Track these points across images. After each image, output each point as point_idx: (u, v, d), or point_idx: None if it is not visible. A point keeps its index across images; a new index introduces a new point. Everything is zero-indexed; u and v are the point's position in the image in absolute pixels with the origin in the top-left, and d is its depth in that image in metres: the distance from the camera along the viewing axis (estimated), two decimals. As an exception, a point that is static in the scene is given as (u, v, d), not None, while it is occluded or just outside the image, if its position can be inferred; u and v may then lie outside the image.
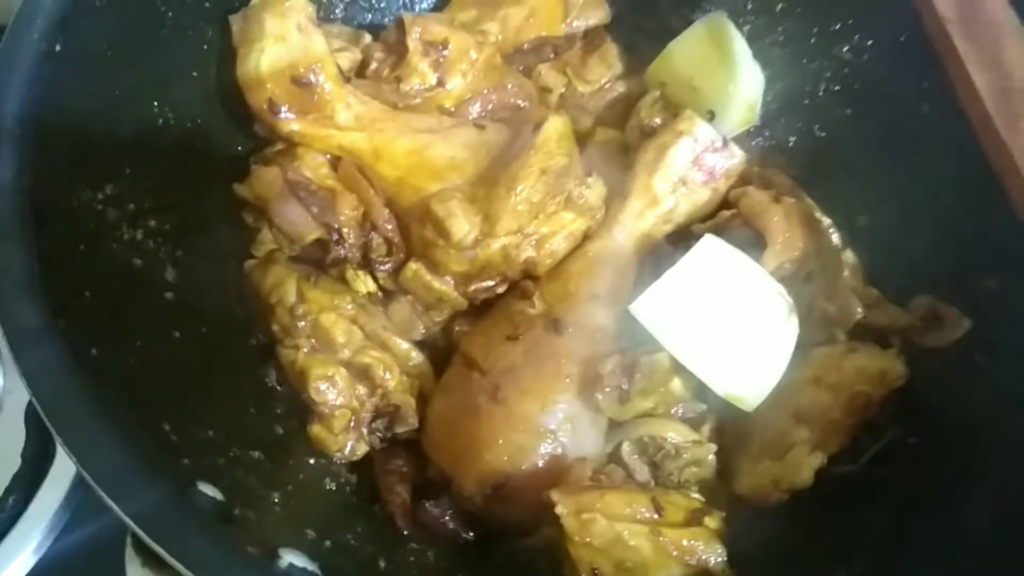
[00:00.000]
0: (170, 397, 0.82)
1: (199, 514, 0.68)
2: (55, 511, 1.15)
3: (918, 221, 1.07)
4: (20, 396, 1.19)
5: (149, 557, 0.64)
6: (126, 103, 0.96)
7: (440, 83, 1.09)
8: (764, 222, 1.01)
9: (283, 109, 1.01)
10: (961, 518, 0.87)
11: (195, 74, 1.04)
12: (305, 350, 0.96)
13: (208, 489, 0.72)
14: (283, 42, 1.00)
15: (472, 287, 1.01)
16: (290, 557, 0.69)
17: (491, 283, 1.02)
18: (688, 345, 0.93)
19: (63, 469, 1.17)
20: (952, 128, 0.96)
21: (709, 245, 0.96)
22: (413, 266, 1.01)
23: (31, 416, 1.17)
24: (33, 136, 0.83)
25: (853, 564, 0.88)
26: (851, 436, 0.96)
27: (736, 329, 0.94)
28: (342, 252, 0.99)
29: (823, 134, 1.14)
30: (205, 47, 1.05)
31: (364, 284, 1.01)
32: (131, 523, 0.64)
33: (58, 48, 0.87)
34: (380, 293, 1.03)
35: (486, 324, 1.01)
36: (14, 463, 1.14)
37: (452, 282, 1.01)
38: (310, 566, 0.71)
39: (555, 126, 0.98)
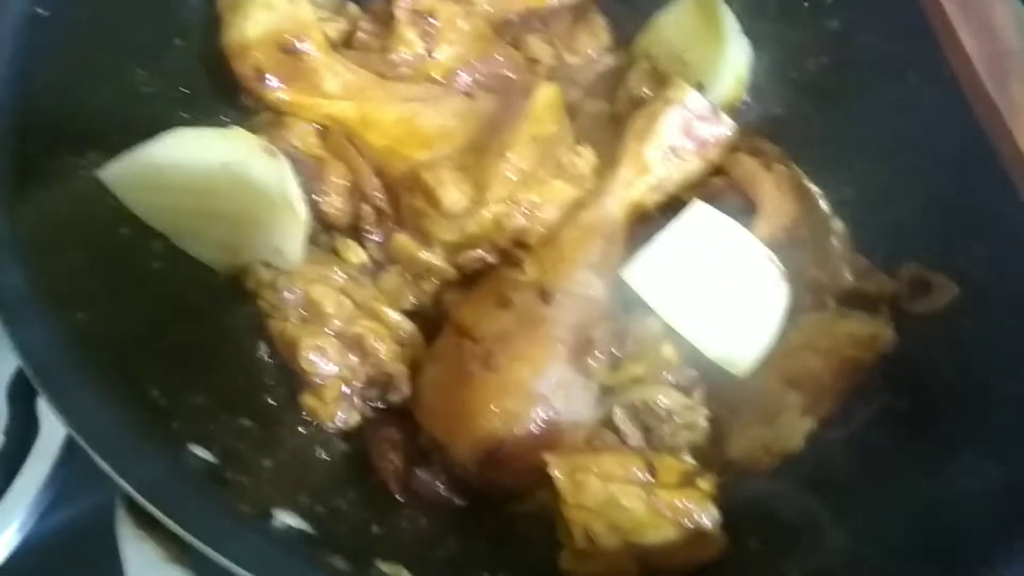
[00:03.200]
0: (158, 364, 0.81)
1: (192, 475, 0.68)
2: (39, 488, 1.13)
3: (906, 189, 1.07)
4: (2, 373, 1.17)
5: (143, 519, 0.63)
6: (111, 70, 0.95)
7: (428, 53, 1.08)
8: (755, 189, 1.01)
9: (270, 77, 1.00)
10: (952, 478, 0.87)
11: (178, 42, 1.03)
12: (295, 321, 0.95)
13: (200, 451, 0.71)
14: (270, 9, 1.00)
15: (463, 257, 1.01)
16: (284, 517, 0.69)
17: (482, 253, 1.01)
18: (679, 310, 0.93)
19: (47, 446, 1.16)
20: (940, 96, 0.97)
21: (699, 211, 0.96)
22: (400, 237, 1.00)
23: (14, 393, 1.15)
24: (17, 99, 0.82)
25: (846, 525, 0.88)
26: (842, 401, 0.96)
27: (727, 294, 0.94)
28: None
29: (811, 106, 1.13)
30: (189, 15, 1.03)
31: (355, 254, 1.00)
32: (124, 484, 0.63)
33: (42, 12, 0.86)
34: (370, 263, 1.02)
35: (477, 293, 1.00)
36: (-3, 440, 1.13)
37: (442, 252, 1.00)
38: (304, 526, 0.70)
39: (546, 93, 0.98)
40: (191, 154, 0.86)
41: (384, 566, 0.72)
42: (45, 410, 1.17)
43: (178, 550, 0.64)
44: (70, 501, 1.16)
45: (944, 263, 1.02)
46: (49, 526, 1.15)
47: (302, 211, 0.93)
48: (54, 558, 1.13)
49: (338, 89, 1.01)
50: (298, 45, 0.99)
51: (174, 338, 0.86)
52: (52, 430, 1.16)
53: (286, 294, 0.94)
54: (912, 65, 1.08)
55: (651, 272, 0.93)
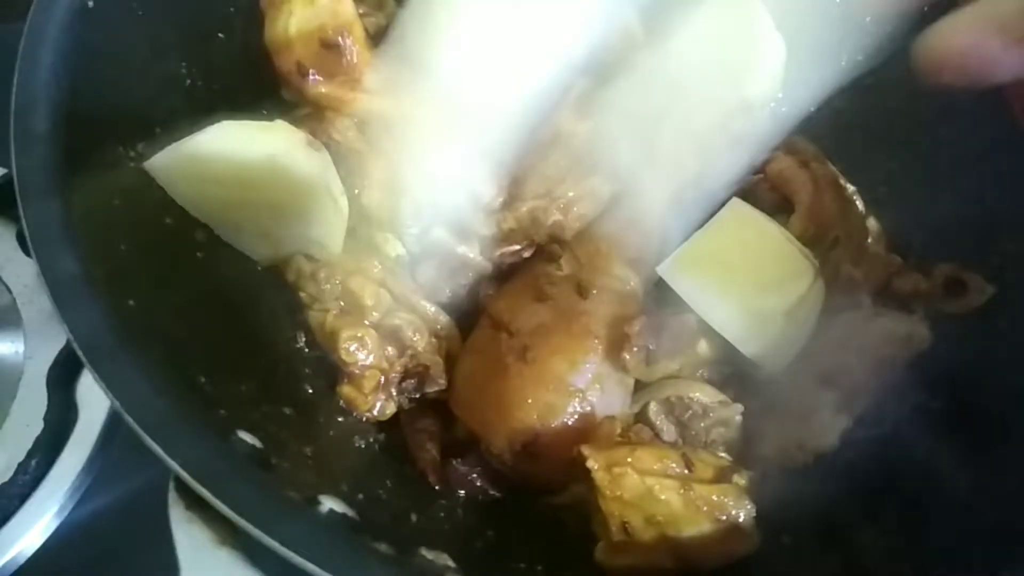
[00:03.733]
0: (203, 351, 0.82)
1: (241, 459, 0.68)
2: (76, 475, 1.16)
3: (940, 189, 1.07)
4: (42, 360, 1.19)
5: (192, 500, 0.64)
6: (155, 62, 0.97)
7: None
8: (792, 187, 1.01)
9: (311, 72, 1.01)
10: (985, 481, 0.87)
11: (221, 36, 1.05)
12: (335, 312, 0.96)
13: (247, 437, 0.72)
14: (312, 5, 1.00)
15: (499, 251, 1.02)
16: (330, 503, 0.70)
17: (518, 247, 1.02)
18: (716, 307, 0.94)
19: (85, 433, 1.18)
20: (976, 93, 0.97)
21: (737, 208, 0.96)
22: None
23: (53, 380, 1.17)
24: (68, 89, 0.83)
25: (880, 524, 0.89)
26: (876, 400, 0.96)
27: (763, 292, 0.94)
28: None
29: (845, 103, 1.13)
30: (232, 9, 1.05)
31: (393, 247, 1.01)
32: (174, 464, 0.64)
33: (91, 4, 0.88)
34: (407, 256, 1.03)
35: (513, 287, 1.01)
36: (36, 427, 1.15)
37: (479, 246, 1.01)
38: (349, 512, 0.71)
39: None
40: (235, 146, 0.87)
41: (428, 553, 0.73)
42: (84, 397, 1.20)
43: (228, 533, 0.65)
44: (107, 487, 1.18)
45: (979, 263, 1.02)
46: (86, 512, 1.17)
47: (344, 204, 0.94)
48: (91, 543, 1.16)
49: (378, 84, 1.02)
50: (339, 40, 1.00)
51: (217, 327, 0.87)
52: (90, 417, 1.19)
53: (326, 285, 0.95)
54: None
55: (688, 269, 0.93)
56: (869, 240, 1.02)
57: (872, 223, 1.04)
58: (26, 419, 1.15)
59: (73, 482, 1.15)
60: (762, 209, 0.98)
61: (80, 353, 0.69)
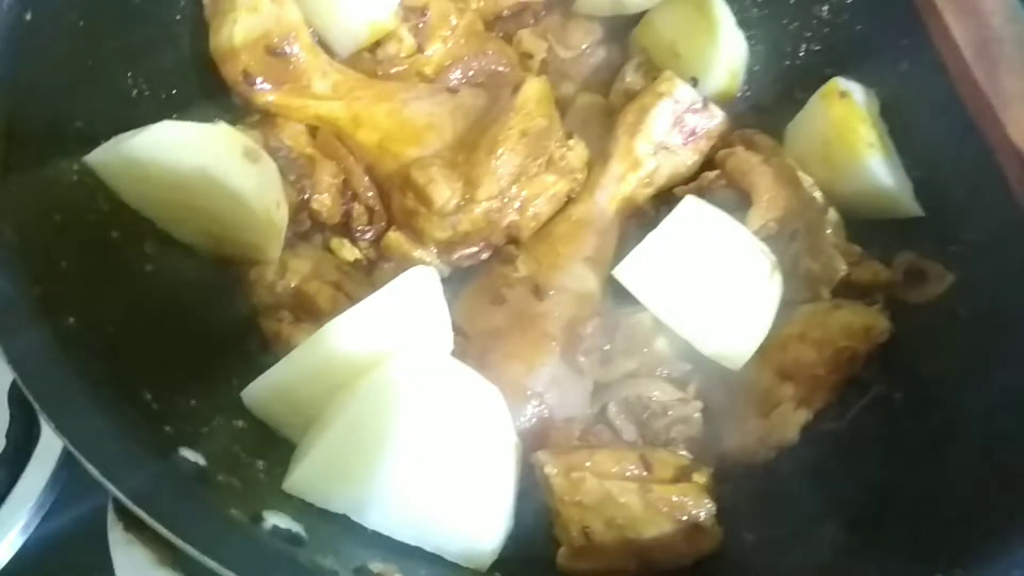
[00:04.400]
0: (151, 367, 0.81)
1: (180, 478, 0.68)
2: (41, 491, 1.14)
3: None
4: (3, 377, 1.17)
5: (131, 521, 0.63)
6: (99, 73, 0.95)
7: (420, 49, 1.08)
8: (750, 181, 1.00)
9: (258, 80, 1.00)
10: (946, 471, 0.87)
11: (168, 45, 1.03)
12: (288, 321, 0.95)
13: (190, 455, 0.71)
14: (256, 12, 0.99)
15: (456, 255, 1.01)
16: (274, 519, 0.69)
17: (474, 249, 1.01)
18: (673, 307, 0.93)
19: (49, 449, 1.16)
20: (931, 84, 0.97)
21: (691, 206, 0.96)
22: (394, 234, 1.00)
23: (15, 397, 1.16)
24: (6, 104, 0.82)
25: (841, 518, 0.88)
26: (836, 392, 0.96)
27: (720, 289, 0.94)
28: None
29: (804, 95, 1.13)
30: (178, 17, 1.04)
31: (349, 252, 1.00)
32: (112, 488, 0.63)
33: (29, 17, 0.86)
34: (364, 261, 1.02)
35: (470, 290, 1.01)
36: (-2, 444, 1.13)
37: (435, 250, 1.00)
38: (295, 527, 0.70)
39: (534, 88, 0.98)
40: (171, 151, 0.87)
41: (377, 566, 0.72)
42: (46, 413, 1.18)
43: (168, 553, 0.64)
44: (73, 503, 1.17)
45: (939, 252, 1.02)
46: (52, 528, 1.15)
47: (280, 215, 0.94)
48: (57, 560, 1.14)
49: (327, 89, 1.01)
50: (285, 47, 0.99)
51: (167, 341, 0.86)
52: (53, 433, 1.17)
53: (279, 291, 0.94)
54: (903, 53, 1.07)
55: (644, 270, 0.92)
56: (828, 231, 1.01)
57: (832, 214, 1.04)
58: (-12, 437, 1.14)
59: (38, 498, 1.14)
60: (719, 205, 0.97)
61: (17, 378, 0.68)
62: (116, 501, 0.65)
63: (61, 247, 0.81)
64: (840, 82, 1.08)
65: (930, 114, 1.04)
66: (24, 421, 1.16)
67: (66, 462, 1.17)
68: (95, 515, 1.14)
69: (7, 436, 1.14)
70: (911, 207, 1.06)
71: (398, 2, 1.06)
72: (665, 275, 0.92)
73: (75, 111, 0.91)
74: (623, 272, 0.93)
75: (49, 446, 1.17)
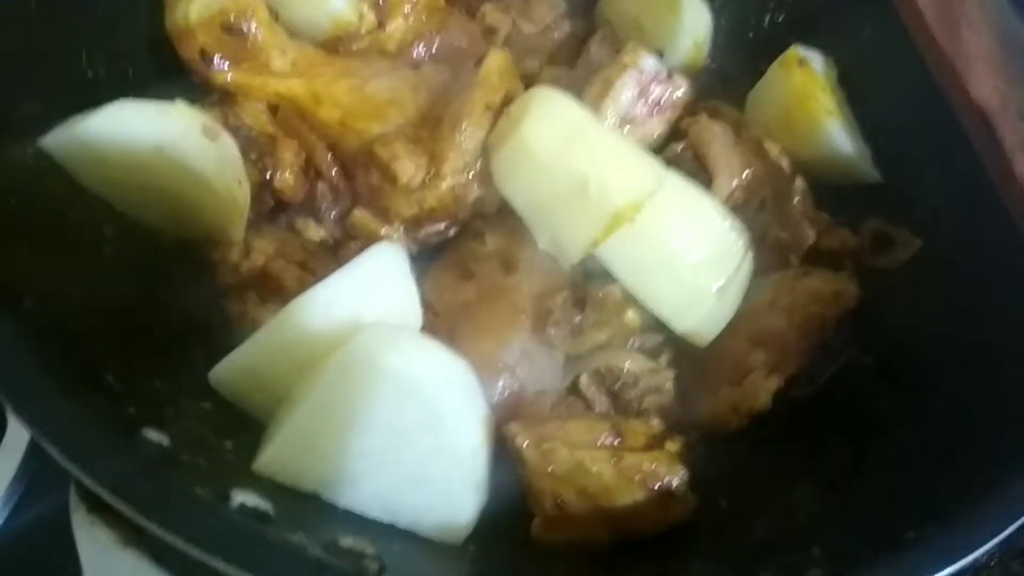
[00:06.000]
0: (112, 349, 0.80)
1: (145, 459, 0.67)
2: (8, 483, 1.12)
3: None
4: (-35, 368, 1.15)
5: (94, 503, 0.62)
6: (53, 55, 0.93)
7: (380, 25, 1.07)
8: (714, 150, 1.00)
9: (216, 59, 0.98)
10: (917, 433, 0.87)
11: (124, 25, 1.01)
12: (254, 302, 0.94)
13: (154, 435, 0.70)
14: (212, -11, 0.97)
15: (423, 231, 1.00)
16: (241, 497, 0.68)
17: (441, 226, 1.01)
18: (648, 284, 0.92)
19: (15, 440, 1.14)
20: (897, 52, 0.97)
21: (669, 181, 0.94)
22: (359, 212, 0.99)
23: (-23, 388, 1.14)
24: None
25: (813, 483, 0.89)
26: (807, 359, 0.96)
27: (695, 270, 0.93)
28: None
29: (769, 64, 1.12)
30: (134, -3, 1.02)
31: (314, 232, 0.99)
32: (73, 469, 0.62)
33: (-21, -4, 0.84)
34: (330, 240, 1.01)
35: (438, 266, 1.00)
36: (-37, 437, 1.11)
37: (401, 228, 0.99)
38: (263, 504, 0.70)
39: (496, 60, 0.97)
40: (128, 131, 0.85)
41: (348, 540, 0.71)
42: (11, 405, 1.16)
43: (132, 534, 0.63)
44: (42, 495, 1.15)
45: (905, 218, 1.02)
46: (22, 520, 1.13)
47: (242, 193, 0.92)
48: (28, 551, 1.12)
49: (286, 67, 1.00)
50: (242, 25, 0.97)
51: (129, 323, 0.84)
52: (19, 425, 1.15)
53: (244, 270, 0.93)
54: (866, 22, 1.08)
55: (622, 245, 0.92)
56: (796, 199, 1.02)
57: (799, 182, 1.04)
58: (-49, 430, 1.11)
59: (6, 491, 1.12)
60: (689, 176, 0.97)
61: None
62: (79, 483, 0.64)
63: (17, 231, 0.79)
64: (799, 50, 1.08)
65: (893, 81, 1.04)
66: (-11, 413, 1.14)
67: (33, 453, 1.15)
68: (65, 507, 1.14)
69: (-29, 429, 1.12)
70: (870, 173, 1.07)
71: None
72: (642, 252, 0.92)
73: (29, 93, 0.89)
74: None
75: (16, 438, 1.15)
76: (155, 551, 0.64)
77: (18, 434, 1.14)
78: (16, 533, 1.12)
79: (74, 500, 0.64)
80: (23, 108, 0.88)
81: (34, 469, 1.14)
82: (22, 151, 0.86)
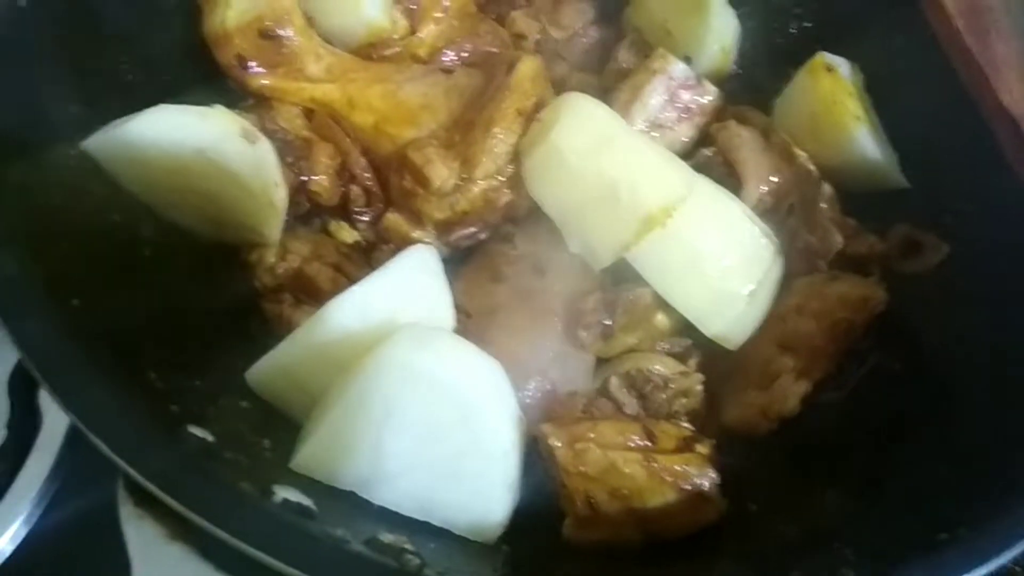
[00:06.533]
0: (155, 348, 0.81)
1: (190, 454, 0.68)
2: (43, 481, 1.13)
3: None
4: (3, 366, 1.17)
5: (143, 499, 0.64)
6: (93, 60, 0.95)
7: (413, 31, 1.09)
8: (742, 155, 1.01)
9: (252, 64, 1.00)
10: (947, 435, 0.88)
11: (163, 31, 1.03)
12: (289, 303, 0.95)
13: (198, 431, 0.72)
14: (247, -5, 0.99)
15: (454, 235, 1.01)
16: (284, 493, 0.69)
17: (473, 230, 1.02)
18: (679, 288, 0.93)
19: (50, 438, 1.16)
20: (924, 58, 0.98)
21: (700, 187, 0.95)
22: (392, 216, 1.00)
23: (15, 386, 1.15)
24: (6, 91, 0.82)
25: (843, 485, 0.89)
26: (835, 363, 0.97)
27: (725, 274, 0.94)
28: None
29: (796, 71, 1.13)
30: (172, 2, 1.03)
31: (348, 234, 1.01)
32: (123, 464, 0.64)
33: (23, 4, 0.86)
34: (363, 242, 1.02)
35: (470, 269, 1.01)
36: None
37: (433, 231, 1.01)
38: (305, 500, 0.71)
39: (528, 66, 0.98)
40: (168, 134, 0.87)
41: (387, 537, 0.72)
42: (46, 403, 1.17)
43: (179, 528, 0.65)
44: (75, 492, 1.16)
45: (934, 223, 1.03)
46: (55, 518, 1.15)
47: (280, 196, 0.94)
48: (61, 549, 1.14)
49: (321, 72, 1.01)
50: (278, 31, 0.99)
51: (168, 322, 0.86)
52: (54, 422, 1.16)
53: (280, 272, 0.94)
54: (894, 28, 1.08)
55: (653, 248, 0.92)
56: (823, 205, 1.02)
57: (827, 187, 1.04)
58: (-12, 426, 1.13)
59: (40, 488, 1.13)
60: (718, 183, 0.98)
61: (24, 359, 0.68)
62: (127, 477, 0.66)
63: (64, 231, 0.81)
64: (826, 56, 1.09)
65: (920, 87, 1.04)
66: (25, 411, 1.16)
67: (68, 451, 1.16)
68: (99, 504, 1.15)
69: (8, 426, 1.14)
70: (898, 179, 1.07)
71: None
72: (673, 256, 0.93)
73: (72, 97, 0.91)
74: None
75: (51, 436, 1.17)
76: (202, 545, 0.65)
77: (52, 434, 1.15)
78: (51, 530, 1.14)
79: (122, 494, 0.65)
80: (67, 110, 0.90)
81: (68, 468, 1.15)
82: (65, 153, 0.88)
